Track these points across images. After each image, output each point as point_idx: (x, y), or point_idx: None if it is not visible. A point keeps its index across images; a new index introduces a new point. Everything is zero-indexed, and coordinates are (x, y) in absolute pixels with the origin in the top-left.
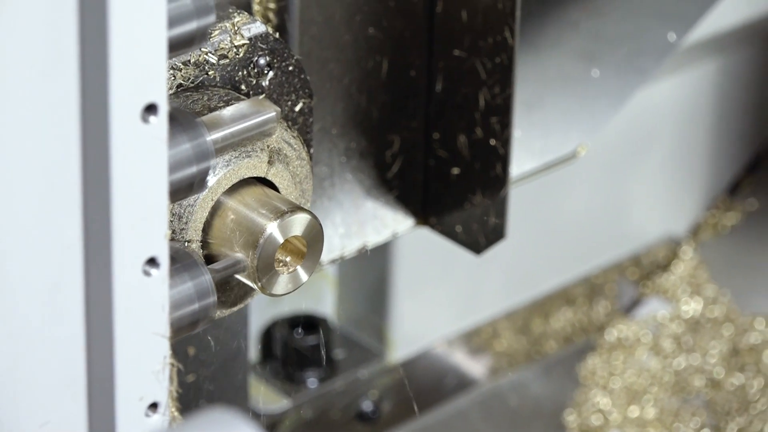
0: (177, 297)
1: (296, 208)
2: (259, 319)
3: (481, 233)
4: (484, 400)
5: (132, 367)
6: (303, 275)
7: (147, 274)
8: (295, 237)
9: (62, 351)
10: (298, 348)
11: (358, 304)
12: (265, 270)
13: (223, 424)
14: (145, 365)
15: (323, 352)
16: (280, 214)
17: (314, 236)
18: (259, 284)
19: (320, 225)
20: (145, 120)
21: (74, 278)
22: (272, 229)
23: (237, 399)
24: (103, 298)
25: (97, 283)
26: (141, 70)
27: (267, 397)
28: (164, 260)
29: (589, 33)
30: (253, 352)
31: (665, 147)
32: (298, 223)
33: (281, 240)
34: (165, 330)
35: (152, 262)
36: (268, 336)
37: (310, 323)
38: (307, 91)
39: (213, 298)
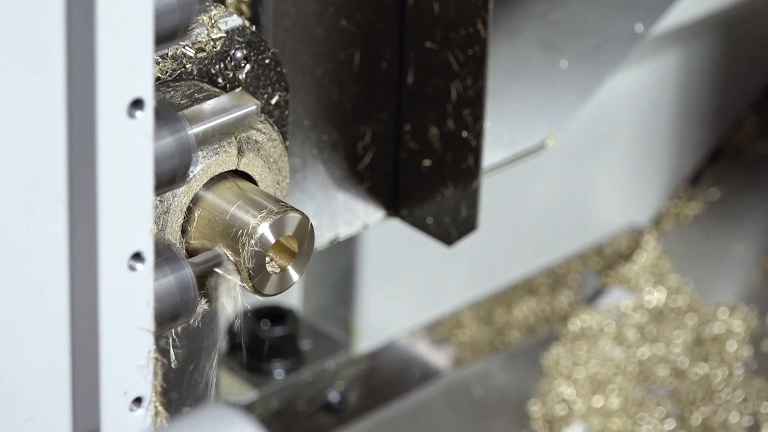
0: (158, 290)
1: (287, 208)
2: None
3: (452, 225)
4: (448, 391)
5: (116, 362)
6: (294, 275)
7: (132, 269)
8: (286, 237)
9: (47, 346)
10: (264, 339)
11: (324, 295)
12: (257, 271)
13: (224, 422)
14: (130, 360)
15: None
16: (271, 214)
17: (305, 236)
18: (250, 285)
19: (311, 224)
20: (131, 115)
21: (59, 273)
22: (264, 229)
23: (206, 391)
24: (88, 293)
25: (82, 278)
26: (128, 64)
27: (233, 388)
28: (149, 255)
29: (556, 24)
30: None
31: (627, 137)
32: (290, 223)
33: (273, 241)
34: (150, 325)
35: (137, 256)
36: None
37: (276, 314)
38: (283, 84)
39: (194, 292)
